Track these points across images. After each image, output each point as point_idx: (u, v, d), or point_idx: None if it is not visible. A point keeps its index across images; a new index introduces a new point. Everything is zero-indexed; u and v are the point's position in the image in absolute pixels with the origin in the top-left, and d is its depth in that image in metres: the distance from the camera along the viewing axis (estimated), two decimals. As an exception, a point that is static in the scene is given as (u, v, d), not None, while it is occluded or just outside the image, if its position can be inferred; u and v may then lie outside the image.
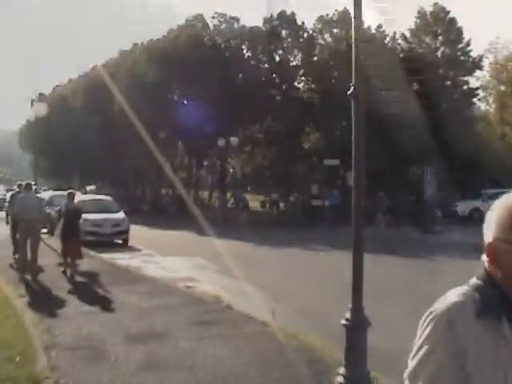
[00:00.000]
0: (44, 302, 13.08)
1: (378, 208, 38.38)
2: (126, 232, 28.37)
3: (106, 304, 13.00)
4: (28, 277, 16.62)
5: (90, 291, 14.61)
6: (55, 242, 21.18)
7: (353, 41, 7.18)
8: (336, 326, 11.57)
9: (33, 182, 23.97)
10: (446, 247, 27.73)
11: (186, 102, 52.07)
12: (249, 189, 73.79)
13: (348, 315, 7.14)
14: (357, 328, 7.08)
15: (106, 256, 22.59)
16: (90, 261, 20.44)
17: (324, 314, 12.96)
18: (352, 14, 7.07)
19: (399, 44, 53.48)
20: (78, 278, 16.76)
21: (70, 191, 20.02)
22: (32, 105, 31.20)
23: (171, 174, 66.53)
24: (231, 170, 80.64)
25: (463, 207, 42.56)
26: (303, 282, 17.87)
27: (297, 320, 11.99)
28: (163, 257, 23.97)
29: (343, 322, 7.17)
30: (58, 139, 73.76)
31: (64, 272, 17.46)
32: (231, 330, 10.66)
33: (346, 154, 35.50)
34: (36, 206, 17.89)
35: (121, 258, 22.65)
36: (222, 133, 48.79)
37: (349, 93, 7.13)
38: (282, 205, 49.51)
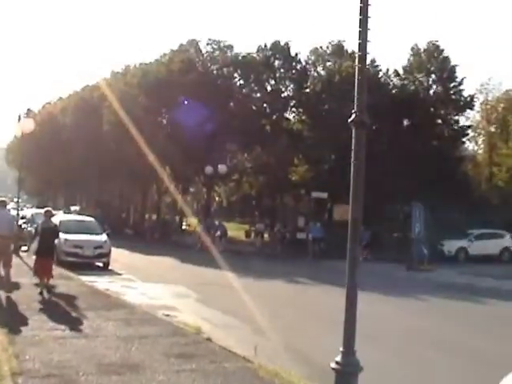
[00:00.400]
0: (16, 324, 12.46)
1: None
2: (108, 255, 27.72)
3: (81, 330, 12.42)
4: (2, 293, 16.23)
5: (65, 315, 14.00)
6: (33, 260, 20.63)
7: (356, 67, 6.78)
8: (320, 364, 11.09)
9: (15, 200, 23.58)
10: (432, 286, 27.43)
11: (174, 126, 51.50)
12: (235, 218, 73.18)
13: (339, 358, 6.63)
14: (348, 373, 6.58)
15: (86, 278, 22.01)
16: (68, 282, 19.96)
17: (309, 351, 12.50)
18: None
19: (392, 80, 53.40)
20: (55, 300, 16.21)
21: (47, 209, 19.82)
22: (19, 120, 30.70)
23: (156, 198, 66.13)
24: (217, 198, 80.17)
25: (449, 246, 42.26)
26: (287, 315, 17.39)
27: (280, 356, 11.47)
28: (144, 282, 23.45)
29: (333, 365, 6.66)
30: (45, 157, 73.33)
31: (41, 293, 16.93)
32: (211, 365, 10.10)
33: (334, 187, 35.19)
34: (8, 223, 17.58)
35: (100, 282, 22.07)
36: (210, 160, 48.37)
37: (350, 120, 6.73)
38: (266, 235, 49.03)
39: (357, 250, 6.77)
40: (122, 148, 50.47)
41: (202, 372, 9.61)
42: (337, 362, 6.63)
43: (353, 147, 6.71)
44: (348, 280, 6.70)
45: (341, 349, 6.66)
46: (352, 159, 6.72)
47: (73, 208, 66.69)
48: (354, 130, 6.72)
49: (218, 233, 44.74)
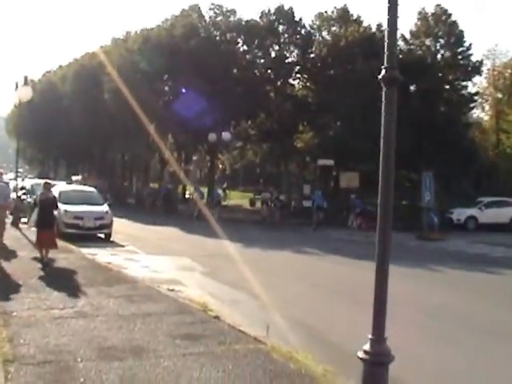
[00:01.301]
0: (11, 303, 11.73)
1: (350, 210, 38.46)
2: (109, 226, 26.95)
3: (80, 308, 11.61)
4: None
5: (64, 292, 13.14)
6: (33, 233, 19.95)
7: (387, 15, 5.91)
8: (336, 344, 10.39)
9: (19, 170, 23.31)
10: (444, 256, 26.78)
11: (177, 93, 50.56)
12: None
13: (367, 347, 5.82)
14: (377, 363, 5.77)
15: (87, 251, 21.28)
16: (68, 256, 19.26)
17: (324, 329, 11.73)
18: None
19: (398, 45, 52.21)
20: (53, 276, 15.44)
21: (46, 181, 19.68)
22: (17, 89, 29.79)
23: (159, 167, 65.34)
24: (220, 166, 79.41)
25: (458, 215, 41.51)
26: (299, 289, 16.67)
27: (294, 336, 10.70)
28: (147, 255, 22.69)
29: (360, 354, 5.84)
30: (45, 126, 72.50)
31: (40, 267, 16.34)
32: (219, 347, 9.34)
33: (340, 154, 34.42)
34: (2, 193, 18.06)
35: (102, 254, 21.32)
36: (213, 127, 47.47)
37: (380, 77, 5.88)
38: (271, 204, 48.33)
39: (388, 230, 5.94)
40: (123, 116, 49.55)
41: (210, 355, 8.86)
42: (365, 351, 5.83)
43: (383, 107, 5.86)
44: (377, 262, 5.89)
45: (369, 336, 5.86)
46: (382, 121, 5.88)
47: (74, 178, 65.95)
48: (384, 88, 5.88)
49: (214, 201, 44.64)
